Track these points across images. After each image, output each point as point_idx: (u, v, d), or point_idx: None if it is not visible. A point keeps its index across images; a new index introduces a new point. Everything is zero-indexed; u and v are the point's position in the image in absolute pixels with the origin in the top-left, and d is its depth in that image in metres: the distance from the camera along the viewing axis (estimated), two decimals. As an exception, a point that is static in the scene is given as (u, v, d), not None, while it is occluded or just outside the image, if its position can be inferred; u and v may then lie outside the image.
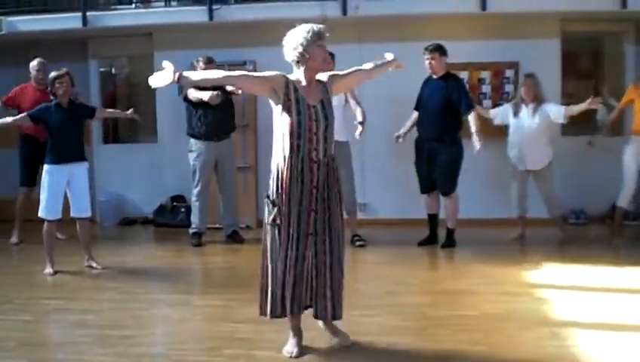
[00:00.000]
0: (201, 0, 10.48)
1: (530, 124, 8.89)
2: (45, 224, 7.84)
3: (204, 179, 9.28)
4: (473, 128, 8.54)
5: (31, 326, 6.05)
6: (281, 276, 5.07)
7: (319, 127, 5.08)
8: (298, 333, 5.30)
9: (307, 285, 5.16)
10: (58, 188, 7.77)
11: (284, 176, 5.02)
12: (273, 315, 5.17)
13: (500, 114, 9.22)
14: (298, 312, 5.19)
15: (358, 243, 9.09)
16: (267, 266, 5.14)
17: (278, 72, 5.10)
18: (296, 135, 5.01)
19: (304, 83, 5.11)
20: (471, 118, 8.59)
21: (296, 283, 5.09)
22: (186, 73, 4.98)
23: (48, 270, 7.85)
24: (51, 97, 7.83)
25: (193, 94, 8.94)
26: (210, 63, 9.12)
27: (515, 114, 9.00)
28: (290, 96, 5.04)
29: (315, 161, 5.07)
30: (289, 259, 5.05)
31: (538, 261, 8.07)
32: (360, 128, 8.63)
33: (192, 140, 9.26)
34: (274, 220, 5.07)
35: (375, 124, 9.61)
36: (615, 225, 9.26)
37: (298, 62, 5.06)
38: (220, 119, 9.18)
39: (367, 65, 5.57)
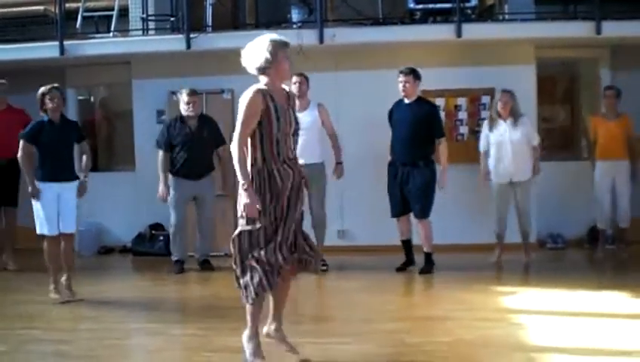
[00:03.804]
0: (178, 29, 10.53)
1: (513, 137, 8.96)
2: (45, 242, 7.76)
3: (180, 214, 9.36)
4: (443, 160, 8.70)
5: (5, 357, 5.99)
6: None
7: (291, 129, 5.31)
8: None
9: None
10: (51, 203, 7.69)
11: (266, 177, 5.19)
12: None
13: (484, 141, 9.24)
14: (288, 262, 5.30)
15: (321, 267, 9.11)
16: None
17: (253, 91, 5.17)
18: (276, 141, 5.17)
19: (273, 89, 5.23)
20: (442, 149, 8.72)
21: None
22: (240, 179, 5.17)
23: (54, 295, 7.79)
24: (41, 113, 7.77)
25: None
26: (193, 95, 9.15)
27: (491, 128, 9.09)
28: (269, 105, 5.16)
29: (292, 158, 5.30)
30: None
31: (515, 286, 8.09)
32: (339, 169, 9.08)
33: (170, 176, 9.31)
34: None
35: (352, 151, 9.65)
36: (600, 248, 9.55)
37: (265, 69, 5.19)
38: (197, 158, 9.24)
39: None
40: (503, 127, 9.01)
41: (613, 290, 7.73)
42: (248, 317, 5.34)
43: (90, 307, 7.68)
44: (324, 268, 9.10)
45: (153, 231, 10.68)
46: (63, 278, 7.93)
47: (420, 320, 6.89)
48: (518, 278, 8.67)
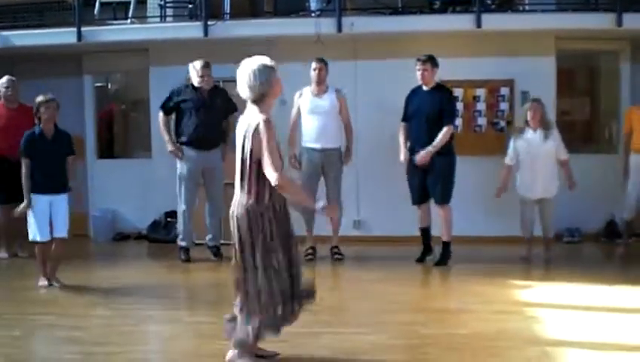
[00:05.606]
0: (196, 16, 10.50)
1: (543, 148, 8.75)
2: (37, 247, 7.86)
3: (190, 192, 9.21)
4: (436, 141, 8.52)
5: (19, 342, 6.01)
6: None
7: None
8: None
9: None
10: (43, 212, 7.78)
11: (272, 216, 5.15)
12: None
13: (513, 154, 8.94)
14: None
15: (336, 256, 9.13)
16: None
17: (270, 119, 5.05)
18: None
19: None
20: (442, 133, 8.55)
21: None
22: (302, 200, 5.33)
23: (42, 282, 7.88)
24: (36, 121, 7.82)
25: None
26: (206, 68, 9.04)
27: (520, 134, 8.88)
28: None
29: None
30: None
31: (531, 279, 8.06)
32: (348, 155, 9.08)
33: (183, 147, 9.19)
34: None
35: (370, 141, 9.62)
36: (623, 239, 9.44)
37: (264, 96, 5.06)
38: (209, 124, 9.08)
39: None
40: (534, 139, 8.78)
41: (630, 285, 7.67)
42: (248, 341, 5.24)
43: (104, 293, 7.71)
44: (340, 256, 9.08)
45: (168, 219, 10.64)
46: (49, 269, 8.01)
47: (436, 312, 6.85)
48: (535, 272, 8.61)
